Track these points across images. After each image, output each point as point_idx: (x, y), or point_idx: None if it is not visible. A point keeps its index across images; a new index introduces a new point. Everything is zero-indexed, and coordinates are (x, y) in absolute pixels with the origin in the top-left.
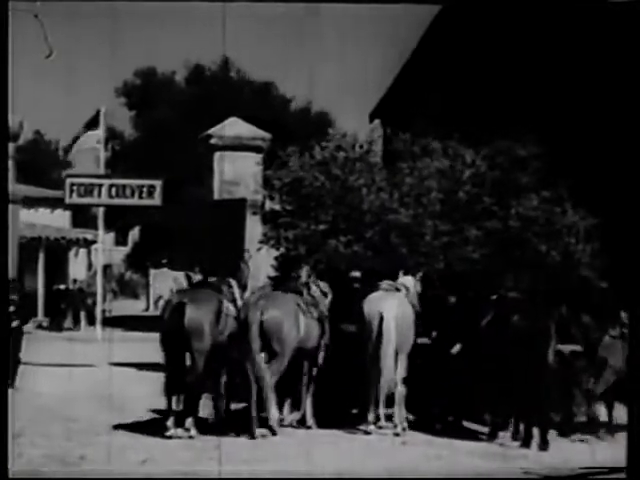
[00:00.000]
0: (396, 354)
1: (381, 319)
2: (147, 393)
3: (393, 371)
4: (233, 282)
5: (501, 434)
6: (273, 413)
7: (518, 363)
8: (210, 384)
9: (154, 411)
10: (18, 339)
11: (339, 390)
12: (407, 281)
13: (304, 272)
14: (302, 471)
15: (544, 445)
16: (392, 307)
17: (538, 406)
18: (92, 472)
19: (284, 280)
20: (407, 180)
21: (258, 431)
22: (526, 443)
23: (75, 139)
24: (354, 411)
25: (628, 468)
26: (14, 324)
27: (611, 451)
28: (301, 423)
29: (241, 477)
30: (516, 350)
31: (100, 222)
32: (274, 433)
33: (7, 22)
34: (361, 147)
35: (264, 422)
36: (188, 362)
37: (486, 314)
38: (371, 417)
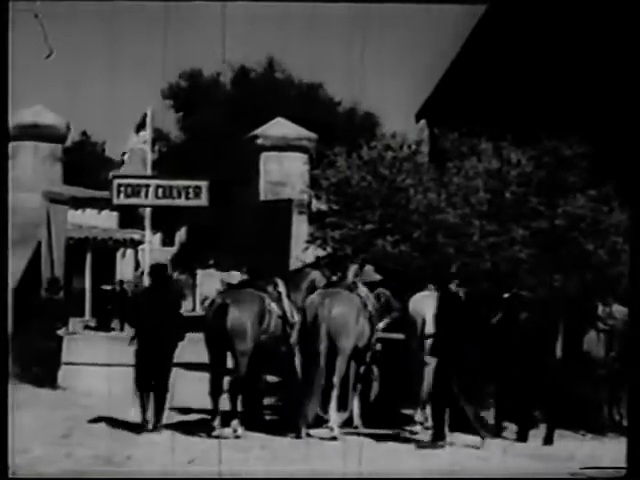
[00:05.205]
0: None
1: (423, 319)
2: (193, 392)
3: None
4: (279, 281)
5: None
6: (333, 415)
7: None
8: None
9: (200, 411)
10: (60, 340)
11: (387, 390)
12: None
13: (351, 271)
14: (341, 471)
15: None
16: (433, 307)
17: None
18: (107, 473)
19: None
20: (454, 180)
21: (313, 432)
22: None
23: (123, 154)
24: (402, 412)
25: (628, 468)
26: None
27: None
28: (347, 423)
29: (247, 478)
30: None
31: (147, 223)
32: (334, 437)
33: (7, 22)
34: (409, 147)
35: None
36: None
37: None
38: (418, 417)
